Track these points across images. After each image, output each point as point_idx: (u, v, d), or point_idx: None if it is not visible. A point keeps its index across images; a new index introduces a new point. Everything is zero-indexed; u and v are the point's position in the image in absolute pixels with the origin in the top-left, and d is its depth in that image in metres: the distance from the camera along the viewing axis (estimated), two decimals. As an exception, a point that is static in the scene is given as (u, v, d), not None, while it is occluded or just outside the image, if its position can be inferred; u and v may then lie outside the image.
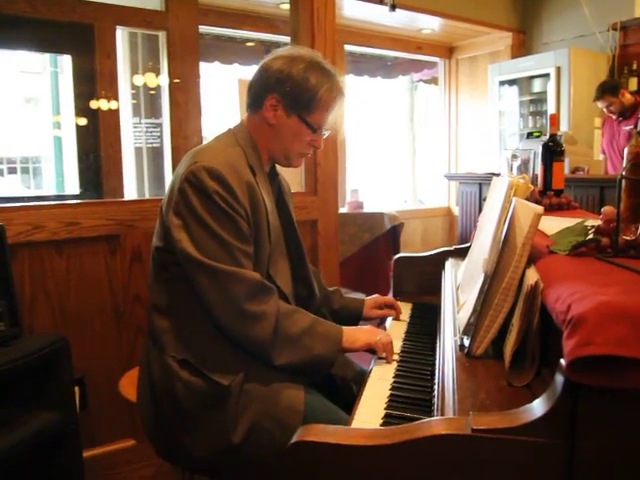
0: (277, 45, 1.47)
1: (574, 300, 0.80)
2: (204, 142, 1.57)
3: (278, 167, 1.61)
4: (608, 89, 4.26)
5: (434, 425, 0.83)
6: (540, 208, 1.07)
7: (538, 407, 0.78)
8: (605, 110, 4.38)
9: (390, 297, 1.87)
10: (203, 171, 1.33)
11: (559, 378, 0.76)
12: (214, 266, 1.31)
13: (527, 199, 1.53)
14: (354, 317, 1.76)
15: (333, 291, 1.79)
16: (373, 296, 1.82)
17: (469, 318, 1.20)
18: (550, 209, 1.94)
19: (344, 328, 1.42)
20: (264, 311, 1.33)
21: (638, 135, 1.12)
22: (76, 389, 1.88)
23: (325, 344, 1.37)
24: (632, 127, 4.16)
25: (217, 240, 1.32)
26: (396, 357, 1.44)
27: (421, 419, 1.01)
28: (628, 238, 1.12)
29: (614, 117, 4.37)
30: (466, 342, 1.16)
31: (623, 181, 1.12)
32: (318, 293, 1.66)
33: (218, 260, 1.31)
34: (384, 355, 1.42)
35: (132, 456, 2.33)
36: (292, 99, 1.44)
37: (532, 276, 1.03)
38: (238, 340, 1.35)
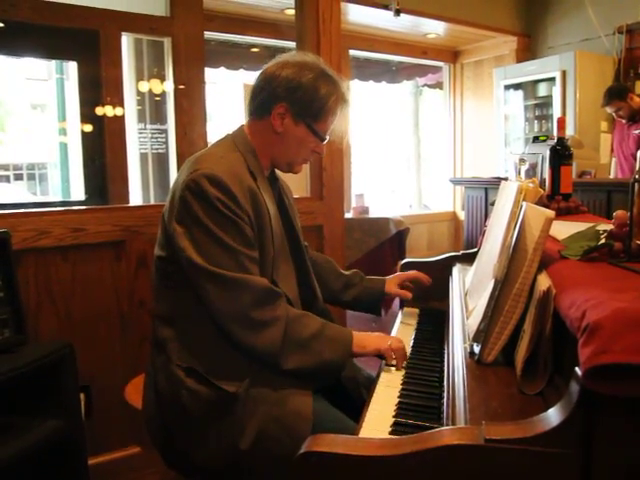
0: (282, 50, 1.47)
1: (589, 307, 0.78)
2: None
3: (278, 171, 1.61)
4: (616, 94, 4.24)
5: (446, 435, 0.81)
6: (551, 212, 1.05)
7: (553, 416, 0.76)
8: (614, 115, 4.35)
9: (415, 272, 1.87)
10: (204, 178, 1.32)
11: (574, 387, 0.74)
12: (220, 273, 1.30)
13: (536, 203, 1.51)
14: (376, 297, 1.79)
15: (352, 274, 1.82)
16: (396, 274, 1.86)
17: (479, 324, 1.18)
18: (559, 213, 1.92)
19: (354, 333, 1.41)
20: (273, 317, 1.32)
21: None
22: (82, 396, 1.87)
23: (335, 349, 1.36)
24: (642, 130, 4.14)
25: (222, 246, 1.31)
26: (404, 364, 1.43)
27: (430, 427, 0.99)
28: (641, 243, 1.10)
29: (624, 121, 4.35)
30: (476, 349, 1.15)
31: (636, 184, 1.10)
32: (321, 296, 1.65)
33: (224, 267, 1.30)
34: (394, 362, 1.41)
35: (137, 463, 2.31)
36: (301, 108, 1.44)
37: (544, 282, 1.02)
38: (246, 347, 1.33)
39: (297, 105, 1.44)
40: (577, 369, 0.74)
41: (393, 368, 1.41)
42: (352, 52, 5.57)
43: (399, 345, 1.42)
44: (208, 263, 1.30)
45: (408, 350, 1.53)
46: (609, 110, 4.34)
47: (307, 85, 1.43)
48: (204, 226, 1.31)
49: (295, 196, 1.77)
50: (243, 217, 1.33)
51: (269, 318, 1.31)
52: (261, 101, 1.47)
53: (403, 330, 1.73)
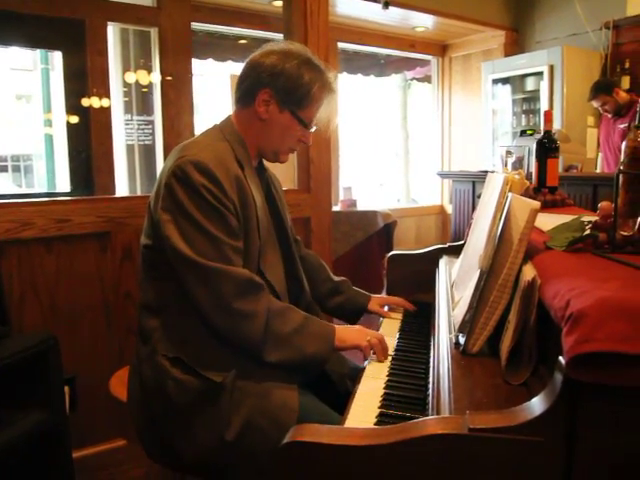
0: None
1: (573, 296, 0.78)
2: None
3: (267, 162, 1.60)
4: (602, 88, 4.26)
5: (430, 424, 0.81)
6: (537, 203, 1.05)
7: (537, 405, 0.76)
8: (600, 109, 4.37)
9: (400, 299, 1.85)
10: (190, 165, 1.31)
11: (558, 376, 0.74)
12: (202, 263, 1.29)
13: (522, 195, 1.51)
14: (358, 310, 1.79)
15: (341, 282, 1.81)
16: (381, 295, 1.86)
17: (464, 315, 1.19)
18: (544, 206, 1.93)
19: (336, 327, 1.41)
20: (254, 309, 1.31)
21: (636, 129, 1.10)
22: (66, 389, 1.85)
23: (317, 343, 1.36)
24: (627, 125, 4.16)
25: (205, 235, 1.30)
26: (390, 355, 1.43)
27: (416, 418, 0.99)
28: (626, 234, 1.10)
29: (609, 116, 4.37)
30: (461, 340, 1.15)
31: (621, 176, 1.10)
32: (308, 289, 1.65)
33: (206, 256, 1.29)
34: (373, 356, 1.41)
35: (122, 456, 2.30)
36: (286, 94, 1.44)
37: (529, 272, 1.02)
38: (228, 338, 1.33)
39: (281, 91, 1.44)
40: (561, 358, 0.74)
41: (376, 360, 1.40)
42: (340, 45, 5.55)
43: (377, 340, 1.41)
44: (191, 252, 1.29)
45: (394, 342, 1.53)
46: (595, 104, 4.36)
47: (291, 71, 1.43)
48: (188, 214, 1.30)
49: (283, 188, 1.76)
50: (228, 206, 1.33)
51: (250, 310, 1.31)
52: (246, 88, 1.47)
53: (389, 323, 1.73)
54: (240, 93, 1.49)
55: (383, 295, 1.87)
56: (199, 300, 1.32)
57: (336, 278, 1.81)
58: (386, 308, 1.83)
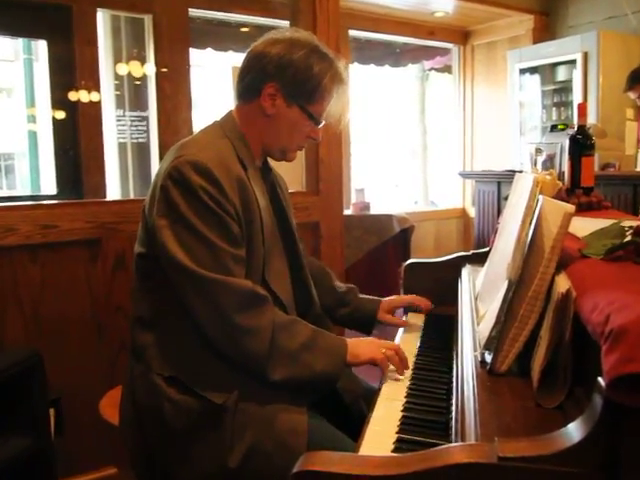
0: (275, 31, 1.49)
1: (613, 310, 0.78)
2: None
3: (272, 162, 1.61)
4: None
5: (455, 452, 0.80)
6: (571, 207, 1.05)
7: (574, 432, 0.76)
8: (638, 101, 4.35)
9: (410, 296, 1.87)
10: (187, 165, 1.32)
11: (597, 399, 0.73)
12: (200, 273, 1.29)
13: (554, 197, 1.51)
14: (368, 320, 1.77)
15: (347, 290, 1.80)
16: (390, 297, 1.83)
17: (491, 331, 1.18)
18: (579, 209, 1.92)
19: (348, 341, 1.41)
20: (257, 324, 1.31)
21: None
22: (51, 411, 1.86)
23: (327, 359, 1.36)
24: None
25: (204, 243, 1.30)
26: (408, 374, 1.42)
27: (438, 444, 0.99)
28: (671, 240, 1.09)
29: (648, 108, 4.34)
30: (488, 358, 1.15)
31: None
32: (317, 300, 1.65)
33: (205, 266, 1.29)
34: (390, 371, 1.40)
35: (114, 485, 2.30)
36: (294, 88, 1.44)
37: (563, 283, 1.01)
38: (229, 355, 1.33)
39: (289, 85, 1.44)
40: (600, 379, 0.73)
41: (398, 377, 1.40)
42: (352, 33, 5.56)
43: (394, 351, 1.41)
44: (188, 261, 1.29)
45: (412, 360, 1.52)
46: (632, 96, 4.32)
47: (299, 62, 1.43)
48: (186, 219, 1.30)
49: (289, 190, 1.76)
50: (229, 210, 1.33)
51: (253, 324, 1.30)
52: (250, 82, 1.47)
53: (407, 338, 1.73)
54: (243, 87, 1.49)
55: (391, 297, 1.84)
56: (197, 314, 1.32)
57: (341, 287, 1.81)
58: (402, 316, 1.82)
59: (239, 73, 1.51)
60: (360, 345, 1.41)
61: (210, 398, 1.31)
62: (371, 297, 1.82)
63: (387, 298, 1.82)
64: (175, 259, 1.30)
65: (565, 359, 0.96)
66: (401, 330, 1.80)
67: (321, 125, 1.53)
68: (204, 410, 1.31)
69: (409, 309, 1.96)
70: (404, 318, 1.92)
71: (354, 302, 1.79)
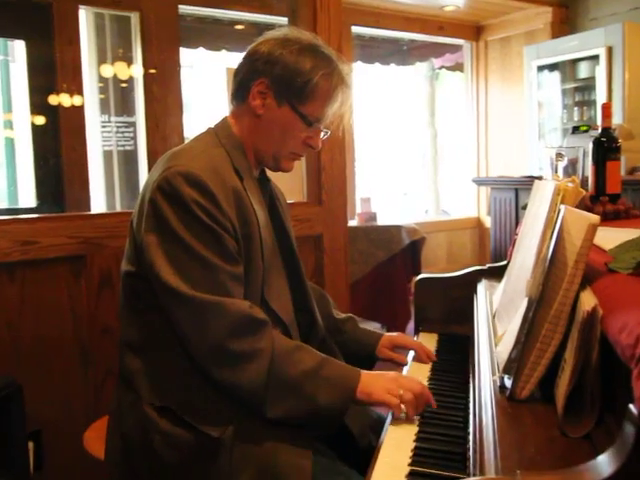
0: (272, 28, 1.49)
1: (644, 330, 0.78)
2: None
3: (269, 172, 1.61)
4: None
5: (473, 488, 0.80)
6: (595, 217, 1.05)
7: (604, 464, 0.75)
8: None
9: (415, 340, 1.83)
10: (178, 177, 1.31)
11: (629, 428, 0.73)
12: (192, 296, 1.28)
13: (577, 206, 1.51)
14: (366, 355, 1.73)
15: (345, 319, 1.77)
16: (394, 333, 1.79)
17: (510, 353, 1.18)
18: (605, 218, 1.92)
19: (363, 373, 1.36)
20: (254, 350, 1.29)
21: None
22: (30, 444, 1.85)
23: (333, 391, 1.32)
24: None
25: (197, 261, 1.29)
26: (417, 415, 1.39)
27: (455, 478, 0.98)
28: None
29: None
30: (507, 382, 1.14)
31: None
32: (322, 321, 1.64)
33: (198, 287, 1.28)
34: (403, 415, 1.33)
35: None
36: (283, 84, 1.45)
37: (588, 300, 1.01)
38: (224, 385, 1.32)
39: (278, 81, 1.44)
40: (632, 406, 0.73)
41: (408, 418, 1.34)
42: (355, 29, 5.60)
43: (413, 396, 1.33)
44: (180, 282, 1.28)
45: (425, 384, 1.51)
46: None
47: (288, 57, 1.44)
48: (177, 235, 1.30)
49: (289, 201, 1.76)
50: (225, 224, 1.32)
51: (249, 351, 1.29)
52: (240, 80, 1.49)
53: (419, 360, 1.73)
54: (235, 86, 1.51)
55: (394, 334, 1.78)
56: (188, 339, 1.31)
57: (340, 314, 1.79)
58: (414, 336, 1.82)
59: (234, 74, 1.53)
60: (376, 382, 1.35)
61: (205, 431, 1.30)
62: (372, 330, 1.80)
63: (389, 334, 1.78)
64: (165, 280, 1.29)
65: (592, 383, 0.96)
66: (412, 352, 1.78)
67: (323, 132, 1.52)
68: (199, 444, 1.30)
69: (421, 327, 1.96)
70: (415, 338, 1.92)
71: (352, 332, 1.75)
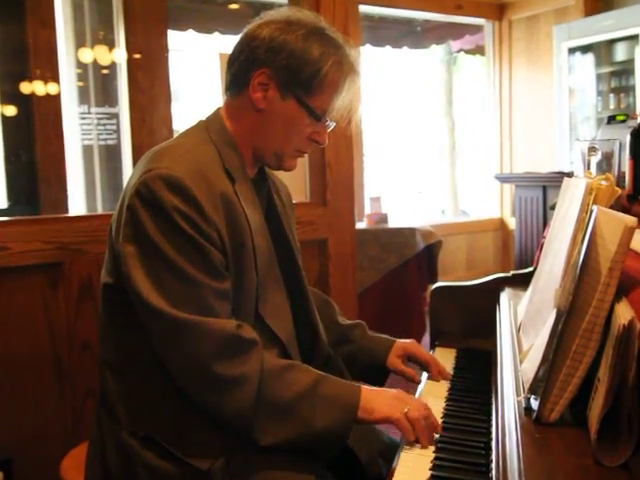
0: (270, 8, 1.48)
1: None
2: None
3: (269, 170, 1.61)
4: None
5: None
6: (632, 219, 1.05)
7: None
8: None
9: (429, 353, 1.80)
10: (159, 181, 1.30)
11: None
12: (173, 315, 1.27)
13: (612, 207, 1.51)
14: (376, 366, 1.72)
15: (352, 326, 1.76)
16: (407, 340, 1.76)
17: (537, 371, 1.18)
18: (643, 220, 1.92)
19: (364, 389, 1.37)
20: (241, 373, 1.29)
21: None
22: (0, 475, 1.86)
23: (331, 413, 1.32)
24: None
25: (178, 277, 1.29)
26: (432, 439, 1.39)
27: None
28: None
29: None
30: (534, 404, 1.14)
31: None
32: (325, 337, 1.64)
33: (179, 305, 1.28)
34: (414, 438, 1.33)
35: None
36: (288, 75, 1.42)
37: (624, 313, 1.01)
38: (210, 412, 1.32)
39: (282, 71, 1.42)
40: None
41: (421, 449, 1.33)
42: (363, 8, 5.60)
43: (419, 415, 1.33)
44: (158, 299, 1.28)
45: (442, 405, 1.52)
46: None
47: (295, 44, 1.41)
48: (156, 247, 1.28)
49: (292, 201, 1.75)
50: (210, 235, 1.31)
51: (236, 374, 1.29)
52: (238, 69, 1.46)
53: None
54: (230, 76, 1.49)
55: (407, 341, 1.75)
56: (170, 362, 1.32)
57: (346, 321, 1.78)
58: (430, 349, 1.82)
59: (228, 61, 1.50)
60: (378, 398, 1.36)
61: (193, 464, 1.30)
62: (383, 336, 1.77)
63: (402, 340, 1.75)
64: (144, 296, 1.28)
65: (629, 405, 0.96)
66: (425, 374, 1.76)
67: (328, 125, 1.51)
68: (186, 478, 1.30)
69: (437, 341, 1.96)
70: (431, 352, 1.92)
71: (360, 340, 1.74)
